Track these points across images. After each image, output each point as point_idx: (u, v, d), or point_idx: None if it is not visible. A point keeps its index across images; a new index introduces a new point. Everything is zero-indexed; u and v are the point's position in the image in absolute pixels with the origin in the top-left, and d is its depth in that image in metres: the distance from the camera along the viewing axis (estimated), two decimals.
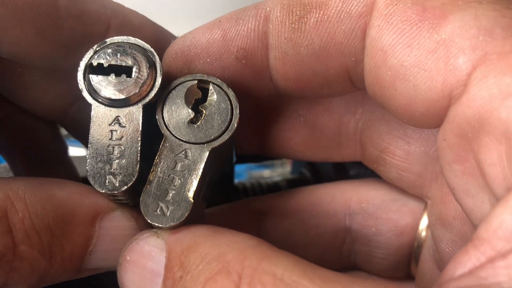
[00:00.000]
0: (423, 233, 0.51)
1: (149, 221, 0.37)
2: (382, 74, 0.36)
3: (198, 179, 0.37)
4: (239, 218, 0.56)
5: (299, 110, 0.51)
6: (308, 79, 0.41)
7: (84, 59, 0.38)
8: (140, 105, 0.38)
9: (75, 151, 0.61)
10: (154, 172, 0.37)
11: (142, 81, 0.38)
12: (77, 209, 0.39)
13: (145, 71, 0.38)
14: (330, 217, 0.54)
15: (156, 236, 0.37)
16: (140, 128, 0.38)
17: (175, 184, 0.37)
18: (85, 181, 0.39)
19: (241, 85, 0.41)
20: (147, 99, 0.38)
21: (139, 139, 0.38)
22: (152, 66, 0.38)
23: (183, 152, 0.38)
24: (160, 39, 0.45)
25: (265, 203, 0.56)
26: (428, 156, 0.46)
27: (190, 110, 0.39)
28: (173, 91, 0.39)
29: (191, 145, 0.38)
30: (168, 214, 0.36)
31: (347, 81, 0.41)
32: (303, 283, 0.28)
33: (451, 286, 0.28)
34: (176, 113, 0.39)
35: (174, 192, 0.37)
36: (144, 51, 0.39)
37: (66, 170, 0.57)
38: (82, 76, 0.38)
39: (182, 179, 0.37)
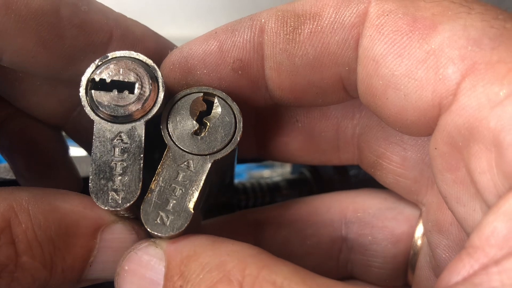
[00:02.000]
0: (419, 241, 0.51)
1: (148, 229, 0.37)
2: (374, 83, 0.37)
3: (199, 190, 0.38)
4: (236, 229, 0.56)
5: (297, 116, 0.52)
6: (303, 89, 0.41)
7: (85, 74, 0.38)
8: (142, 121, 0.38)
9: (76, 151, 0.61)
10: (156, 181, 0.38)
11: (144, 98, 0.38)
12: (80, 221, 0.39)
13: (147, 87, 0.38)
14: (326, 227, 0.54)
15: (154, 246, 0.37)
16: (143, 145, 0.38)
17: (176, 194, 0.37)
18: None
19: (238, 95, 0.42)
20: (149, 115, 0.38)
21: (141, 155, 0.38)
22: (154, 81, 0.38)
23: (186, 163, 0.38)
24: (162, 49, 0.45)
25: (262, 213, 0.57)
26: (424, 163, 0.47)
27: (194, 122, 0.39)
28: (178, 102, 0.40)
29: (194, 156, 0.39)
30: (168, 223, 0.37)
31: (341, 90, 0.41)
32: None
33: None
34: (180, 124, 0.39)
35: (175, 202, 0.37)
36: (146, 66, 0.39)
37: (67, 170, 0.56)
38: (84, 91, 0.38)
39: (183, 189, 0.37)
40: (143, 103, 0.38)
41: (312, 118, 0.52)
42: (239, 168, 0.76)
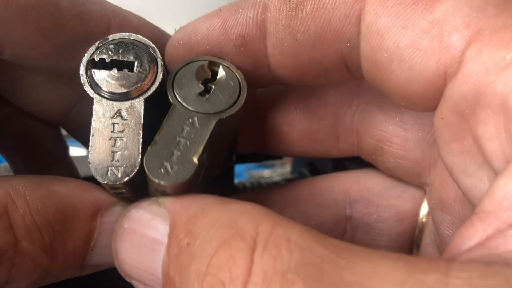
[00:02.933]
0: (424, 219, 0.50)
1: (152, 177, 0.35)
2: (378, 57, 0.36)
3: (203, 145, 0.37)
4: None
5: (296, 104, 0.51)
6: (305, 66, 0.41)
7: (86, 54, 0.39)
8: (141, 98, 0.38)
9: (76, 151, 0.61)
10: (160, 134, 0.37)
11: (144, 75, 0.38)
12: (78, 204, 0.38)
13: (146, 66, 0.38)
14: (330, 207, 0.54)
15: (157, 204, 0.36)
16: (142, 121, 0.38)
17: (181, 146, 0.36)
18: (85, 180, 0.39)
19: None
20: (148, 93, 0.38)
21: (140, 131, 0.38)
22: (153, 61, 0.39)
23: (191, 120, 0.38)
24: (158, 38, 0.45)
25: (264, 195, 0.56)
26: (425, 142, 0.46)
27: (200, 85, 0.40)
28: (184, 67, 0.40)
29: (199, 114, 0.38)
30: (172, 173, 0.35)
31: (343, 68, 0.41)
32: (317, 248, 0.28)
33: (463, 258, 0.28)
34: (186, 86, 0.39)
35: (179, 153, 0.36)
36: (145, 47, 0.39)
37: (67, 170, 0.56)
38: (84, 71, 0.38)
39: (188, 143, 0.37)
40: (142, 81, 0.38)
41: (311, 105, 0.51)
42: (239, 168, 0.76)
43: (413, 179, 0.49)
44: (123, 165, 0.37)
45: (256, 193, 0.58)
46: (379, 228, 0.52)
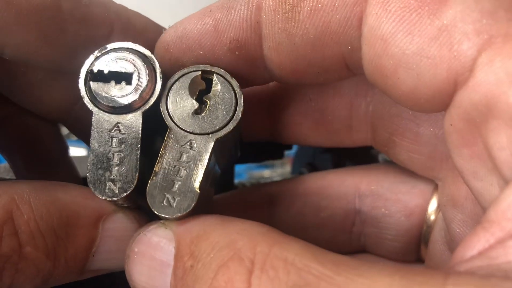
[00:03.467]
0: (433, 216, 0.50)
1: (156, 212, 0.36)
2: (383, 63, 0.35)
3: (203, 170, 0.37)
4: (250, 202, 0.56)
5: (310, 95, 0.50)
6: (304, 68, 0.40)
7: (84, 65, 0.38)
8: (140, 112, 0.38)
9: (76, 151, 0.61)
10: (159, 163, 0.37)
11: (141, 89, 0.37)
12: (81, 211, 0.38)
13: (144, 79, 0.37)
14: (340, 199, 0.53)
15: (164, 227, 0.36)
16: (140, 136, 0.38)
17: (181, 175, 0.37)
18: (85, 180, 0.39)
19: (236, 76, 0.40)
20: (147, 106, 0.38)
21: (138, 146, 0.38)
22: (152, 72, 0.38)
23: (188, 143, 0.37)
24: None
25: (275, 187, 0.56)
26: (437, 138, 0.45)
27: (194, 101, 0.38)
28: (176, 82, 0.39)
29: (196, 136, 0.38)
30: (174, 205, 0.36)
31: (344, 68, 0.40)
32: (314, 267, 0.28)
33: (462, 268, 0.28)
34: (180, 104, 0.38)
35: (180, 183, 0.37)
36: (144, 57, 0.38)
37: (67, 170, 0.57)
38: (83, 83, 0.38)
39: (187, 170, 0.37)
40: (141, 94, 0.37)
41: (326, 96, 0.50)
42: (239, 168, 0.76)
43: (425, 173, 0.48)
44: (120, 181, 0.37)
45: (268, 185, 0.58)
46: (387, 222, 0.52)
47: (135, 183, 0.37)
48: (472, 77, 0.31)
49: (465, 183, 0.36)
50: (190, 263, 0.33)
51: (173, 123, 0.38)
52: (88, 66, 0.38)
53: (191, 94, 0.39)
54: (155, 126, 0.38)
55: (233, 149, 0.50)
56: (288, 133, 0.53)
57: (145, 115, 0.38)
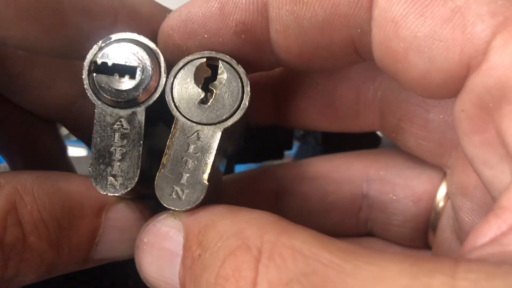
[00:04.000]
0: (441, 202, 0.49)
1: (165, 205, 0.36)
2: (394, 46, 0.34)
3: (212, 161, 0.36)
4: (257, 184, 0.55)
5: (318, 79, 0.49)
6: (312, 52, 0.38)
7: (88, 56, 0.37)
8: (143, 107, 0.37)
9: (74, 151, 0.61)
10: (167, 155, 0.36)
11: (145, 83, 0.37)
12: (84, 201, 0.38)
13: (149, 73, 0.37)
14: (347, 183, 0.53)
15: (173, 217, 0.36)
16: (143, 131, 0.37)
17: (189, 166, 0.36)
18: None
19: (242, 60, 0.39)
20: (150, 101, 0.37)
21: (141, 142, 0.37)
22: (156, 65, 0.37)
23: (195, 134, 0.37)
24: None
25: (283, 169, 0.55)
26: (447, 125, 0.44)
27: (200, 90, 0.37)
28: (181, 70, 0.38)
29: (203, 126, 0.37)
30: (183, 197, 0.36)
31: (353, 53, 0.38)
32: (322, 255, 0.28)
33: (474, 255, 0.27)
34: (186, 94, 0.37)
35: (188, 175, 0.36)
36: (149, 49, 0.37)
37: (65, 170, 0.55)
38: (87, 74, 0.37)
39: (195, 162, 0.36)
40: (144, 89, 0.37)
41: (334, 81, 0.49)
42: (239, 168, 0.75)
43: (434, 160, 0.47)
44: (121, 177, 0.37)
45: (274, 168, 0.57)
46: (395, 207, 0.52)
47: (136, 179, 0.37)
48: (486, 60, 0.30)
49: (475, 171, 0.36)
50: (198, 252, 0.33)
51: (179, 114, 0.37)
52: (91, 57, 0.37)
53: (197, 82, 0.38)
54: (158, 110, 0.38)
55: (240, 137, 0.49)
56: (294, 118, 0.52)
57: (148, 111, 0.37)
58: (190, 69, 0.38)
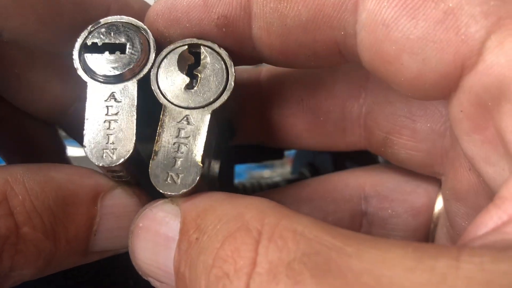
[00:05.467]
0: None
1: (161, 191, 0.35)
2: (385, 48, 0.34)
3: (203, 143, 0.36)
4: None
5: (302, 95, 0.50)
6: (295, 50, 0.39)
7: (79, 39, 0.38)
8: (134, 80, 0.38)
9: (74, 151, 0.61)
10: (158, 142, 0.36)
11: (136, 57, 0.38)
12: (78, 189, 0.38)
13: (138, 47, 0.38)
14: (346, 202, 0.52)
15: (170, 203, 0.36)
16: (135, 103, 0.37)
17: (182, 151, 0.36)
18: None
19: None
20: (141, 74, 0.38)
21: (134, 113, 0.37)
22: (145, 41, 0.38)
23: (185, 119, 0.37)
24: None
25: (280, 193, 0.55)
26: (435, 133, 0.44)
27: (185, 76, 0.38)
28: (164, 60, 0.38)
29: (192, 110, 0.37)
30: (179, 181, 0.35)
31: (337, 54, 0.39)
32: (324, 238, 0.27)
33: (477, 243, 0.27)
34: (171, 81, 0.38)
35: (182, 159, 0.36)
36: (137, 28, 0.39)
37: None
38: (77, 55, 0.38)
39: (187, 146, 0.36)
40: (135, 62, 0.38)
41: (318, 97, 0.49)
42: (239, 168, 0.75)
43: (425, 170, 0.47)
44: (118, 147, 0.37)
45: (270, 192, 0.57)
46: (394, 223, 0.51)
47: (132, 149, 0.36)
48: (482, 60, 0.30)
49: (477, 170, 0.35)
50: (196, 236, 0.32)
51: (166, 101, 0.37)
52: (82, 40, 0.38)
53: (181, 69, 0.38)
54: (152, 109, 0.38)
55: (228, 126, 0.49)
56: (279, 136, 0.52)
57: (140, 83, 0.38)
58: (173, 57, 0.38)
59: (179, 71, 0.38)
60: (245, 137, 0.53)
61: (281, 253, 0.27)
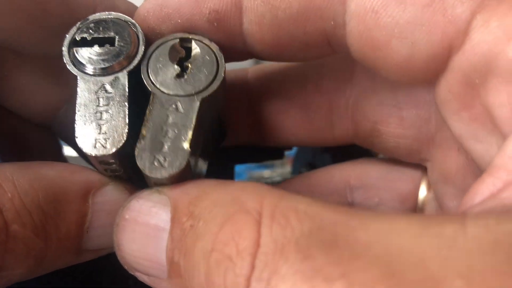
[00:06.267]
0: (424, 200, 0.49)
1: (148, 174, 0.34)
2: (375, 35, 0.34)
3: (192, 130, 0.35)
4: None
5: (290, 92, 0.50)
6: (285, 43, 0.39)
7: (68, 35, 0.38)
8: (125, 71, 0.38)
9: (70, 151, 0.60)
10: (146, 127, 0.35)
11: (125, 49, 0.38)
12: (68, 186, 0.36)
13: (127, 39, 0.38)
14: (332, 195, 0.52)
15: (157, 192, 0.34)
16: (127, 93, 0.37)
17: (170, 135, 0.35)
18: None
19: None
20: (131, 66, 0.38)
21: (126, 103, 0.37)
22: (134, 34, 0.38)
23: (174, 106, 0.36)
24: None
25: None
26: (421, 119, 0.45)
27: (176, 66, 0.37)
28: (156, 51, 0.38)
29: (181, 98, 0.36)
30: (166, 165, 0.34)
31: (326, 45, 0.39)
32: (327, 215, 0.27)
33: (476, 210, 0.27)
34: (161, 71, 0.37)
35: (169, 143, 0.35)
36: (125, 23, 0.39)
37: None
38: (66, 50, 0.38)
39: (176, 130, 0.35)
40: (124, 54, 0.38)
41: (306, 94, 0.50)
42: (239, 168, 0.75)
43: (413, 157, 0.48)
44: (110, 137, 0.36)
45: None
46: (382, 211, 0.51)
47: (125, 138, 0.36)
48: (468, 39, 0.31)
49: (465, 148, 0.36)
50: (190, 223, 0.30)
51: (156, 88, 0.37)
52: (71, 37, 0.38)
53: (172, 60, 0.38)
54: (145, 105, 0.37)
55: (218, 126, 0.48)
56: (269, 133, 0.52)
57: (132, 79, 0.38)
58: (164, 49, 0.38)
59: (169, 62, 0.38)
60: (236, 137, 0.52)
61: (286, 231, 0.27)
